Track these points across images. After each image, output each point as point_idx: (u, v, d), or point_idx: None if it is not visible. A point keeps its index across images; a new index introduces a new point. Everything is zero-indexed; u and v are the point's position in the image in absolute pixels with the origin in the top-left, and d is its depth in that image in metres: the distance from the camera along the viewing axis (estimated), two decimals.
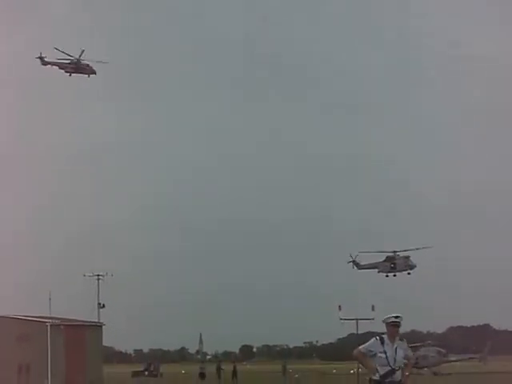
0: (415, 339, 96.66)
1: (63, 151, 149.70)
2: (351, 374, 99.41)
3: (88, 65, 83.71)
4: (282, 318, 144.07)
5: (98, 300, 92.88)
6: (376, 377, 14.71)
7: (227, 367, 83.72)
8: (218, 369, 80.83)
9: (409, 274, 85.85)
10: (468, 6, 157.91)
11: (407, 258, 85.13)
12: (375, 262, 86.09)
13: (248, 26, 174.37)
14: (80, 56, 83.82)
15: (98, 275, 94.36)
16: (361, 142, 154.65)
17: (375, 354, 14.73)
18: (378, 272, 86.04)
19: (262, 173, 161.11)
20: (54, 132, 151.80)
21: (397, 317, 14.77)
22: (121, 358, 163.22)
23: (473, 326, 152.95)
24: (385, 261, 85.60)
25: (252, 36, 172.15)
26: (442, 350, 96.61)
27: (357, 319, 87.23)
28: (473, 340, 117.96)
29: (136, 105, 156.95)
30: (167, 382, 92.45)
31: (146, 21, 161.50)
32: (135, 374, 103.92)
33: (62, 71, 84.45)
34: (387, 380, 14.61)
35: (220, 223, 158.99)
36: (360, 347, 14.95)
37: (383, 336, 14.83)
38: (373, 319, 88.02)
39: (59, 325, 75.03)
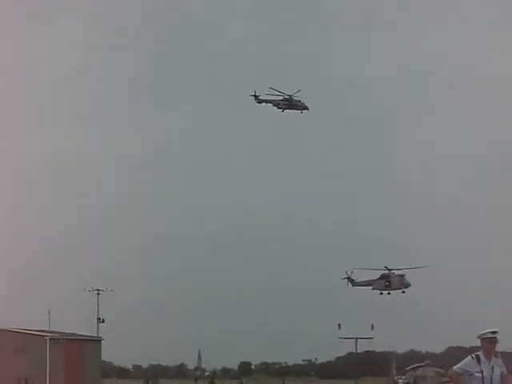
0: (414, 359, 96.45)
1: None
2: None
3: (300, 101, 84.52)
4: (281, 336, 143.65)
5: (98, 315, 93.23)
6: None
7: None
8: None
9: (403, 292, 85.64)
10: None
11: (402, 276, 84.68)
12: (370, 279, 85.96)
13: None
14: (293, 94, 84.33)
15: (98, 290, 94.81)
16: None
17: (472, 374, 13.87)
18: (373, 289, 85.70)
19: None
20: None
21: (494, 332, 13.96)
22: (119, 373, 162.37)
23: (471, 347, 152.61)
24: (379, 278, 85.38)
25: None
26: (441, 371, 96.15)
27: (356, 338, 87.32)
28: None
29: None
30: None
31: None
32: None
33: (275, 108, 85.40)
34: None
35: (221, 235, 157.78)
36: (455, 367, 14.14)
37: (479, 354, 14.00)
38: (372, 338, 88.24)
39: (58, 339, 75.29)
